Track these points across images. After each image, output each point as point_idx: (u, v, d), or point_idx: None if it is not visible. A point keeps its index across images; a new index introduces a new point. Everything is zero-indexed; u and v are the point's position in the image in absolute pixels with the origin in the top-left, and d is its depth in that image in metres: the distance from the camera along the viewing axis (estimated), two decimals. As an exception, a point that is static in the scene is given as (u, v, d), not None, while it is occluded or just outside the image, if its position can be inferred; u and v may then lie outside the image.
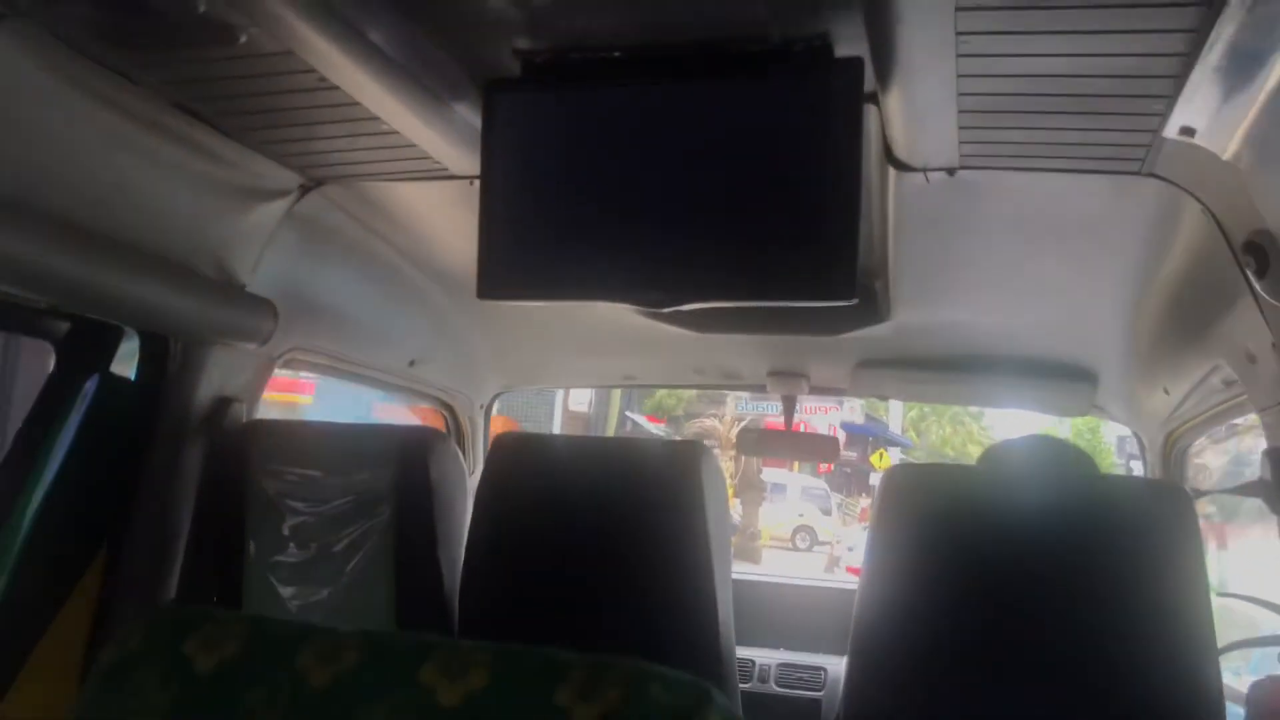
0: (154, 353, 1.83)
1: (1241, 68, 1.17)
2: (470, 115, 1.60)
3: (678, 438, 17.70)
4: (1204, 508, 2.52)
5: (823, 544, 19.47)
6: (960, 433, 27.10)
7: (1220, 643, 1.52)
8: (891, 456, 22.67)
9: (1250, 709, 1.47)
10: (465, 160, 1.68)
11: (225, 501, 1.87)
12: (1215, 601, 1.52)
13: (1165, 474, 2.76)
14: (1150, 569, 1.53)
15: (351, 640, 0.66)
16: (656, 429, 20.45)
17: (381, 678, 0.63)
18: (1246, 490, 1.72)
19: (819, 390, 3.16)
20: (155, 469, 1.83)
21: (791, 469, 20.98)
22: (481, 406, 3.23)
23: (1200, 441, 2.69)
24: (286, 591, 1.85)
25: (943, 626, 1.58)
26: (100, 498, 1.79)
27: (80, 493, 1.76)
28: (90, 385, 1.77)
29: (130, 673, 0.67)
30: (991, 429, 25.13)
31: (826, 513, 22.10)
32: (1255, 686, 1.47)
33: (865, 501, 26.17)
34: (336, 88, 1.46)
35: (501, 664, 0.63)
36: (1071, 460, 2.06)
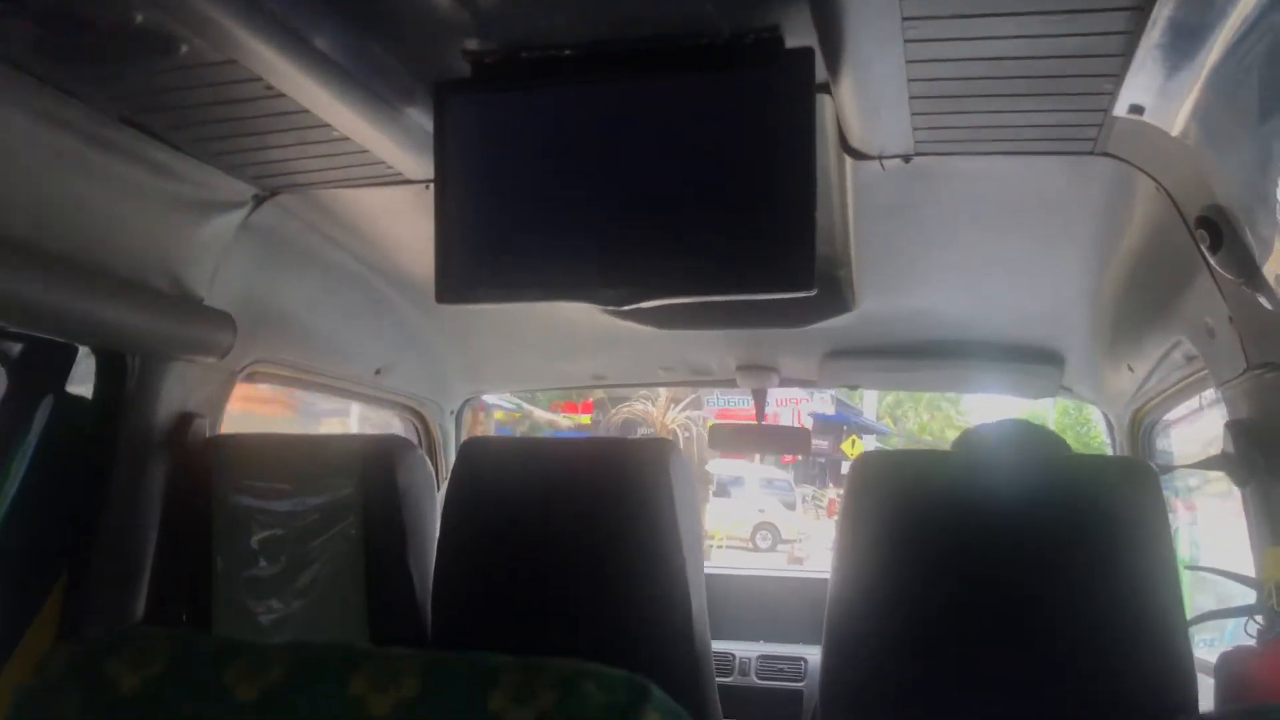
0: (111, 370, 1.80)
1: (1184, 44, 1.17)
2: (422, 118, 1.59)
3: (607, 427, 17.08)
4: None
5: (786, 542, 18.40)
6: (938, 418, 26.93)
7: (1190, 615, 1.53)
8: (867, 445, 22.30)
9: (1219, 679, 1.48)
10: (419, 164, 1.67)
11: (190, 519, 1.84)
12: (1192, 576, 1.53)
13: (1133, 451, 2.78)
14: (1119, 545, 1.54)
15: (279, 654, 0.64)
16: (571, 421, 18.74)
17: (310, 690, 0.62)
18: (1210, 464, 1.73)
19: (789, 382, 3.16)
20: (117, 488, 1.80)
21: (753, 460, 19.72)
22: (452, 413, 3.21)
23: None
24: (257, 607, 1.83)
25: (914, 610, 1.58)
26: (61, 520, 1.76)
27: (39, 516, 1.73)
28: (45, 406, 1.74)
29: (49, 700, 0.65)
30: (970, 413, 24.59)
31: (790, 507, 20.73)
32: (1223, 657, 1.48)
33: (835, 493, 26.06)
34: (283, 95, 1.44)
35: (432, 672, 0.62)
36: (1043, 442, 2.07)
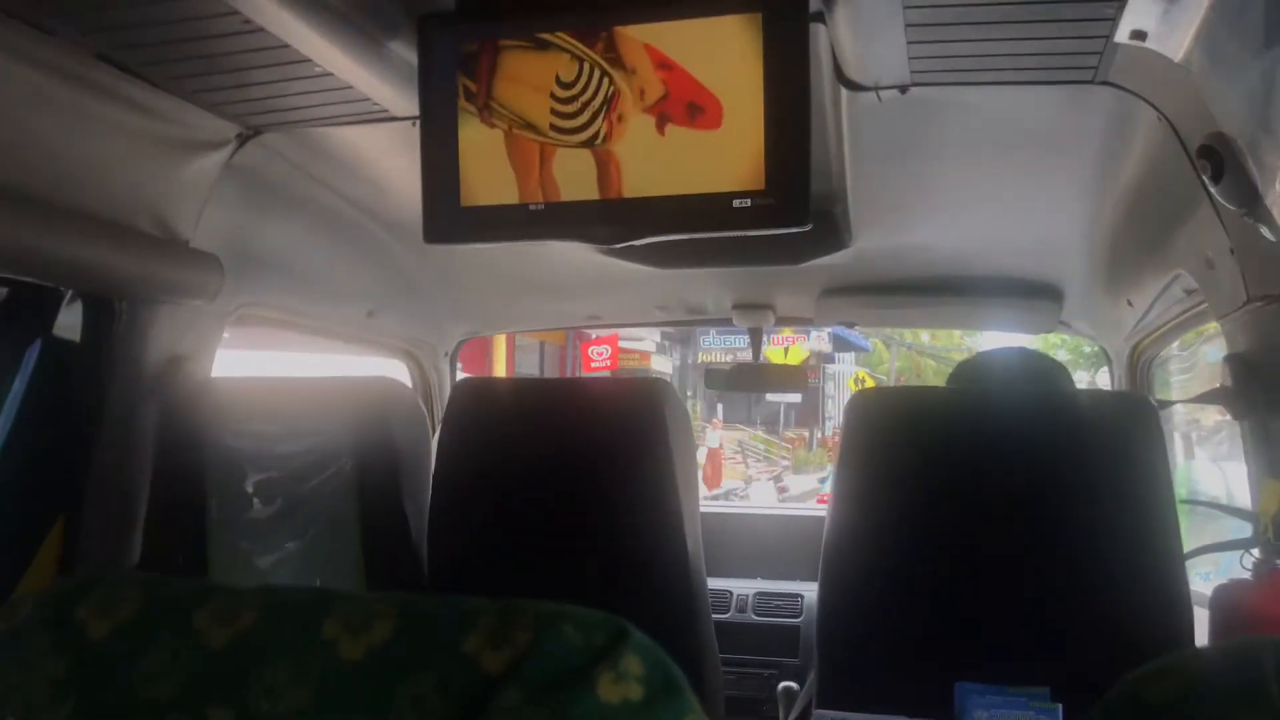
0: (98, 314, 1.78)
1: None
2: (407, 53, 1.55)
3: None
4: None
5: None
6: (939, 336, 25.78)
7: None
8: (845, 363, 21.99)
9: (1214, 612, 1.49)
10: (405, 101, 1.63)
11: (183, 462, 1.84)
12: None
13: (1132, 386, 2.77)
14: (1117, 479, 1.54)
15: (251, 598, 0.64)
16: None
17: (282, 634, 0.61)
18: (1209, 398, 1.72)
19: (786, 320, 3.15)
20: (108, 433, 1.79)
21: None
22: (445, 355, 3.20)
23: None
24: (252, 550, 1.82)
25: (910, 547, 1.59)
26: (54, 465, 1.75)
27: (32, 461, 1.73)
28: (32, 351, 1.72)
29: (18, 644, 0.64)
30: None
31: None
32: (1219, 590, 1.49)
33: (797, 433, 25.16)
34: (262, 29, 1.40)
35: (406, 615, 0.61)
36: (1044, 372, 2.06)
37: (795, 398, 21.87)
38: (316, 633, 0.60)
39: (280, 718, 0.58)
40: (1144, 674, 0.65)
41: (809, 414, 25.13)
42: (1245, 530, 1.59)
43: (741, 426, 23.55)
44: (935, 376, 24.06)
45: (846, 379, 24.39)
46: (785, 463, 22.11)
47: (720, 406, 20.35)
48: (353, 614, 0.60)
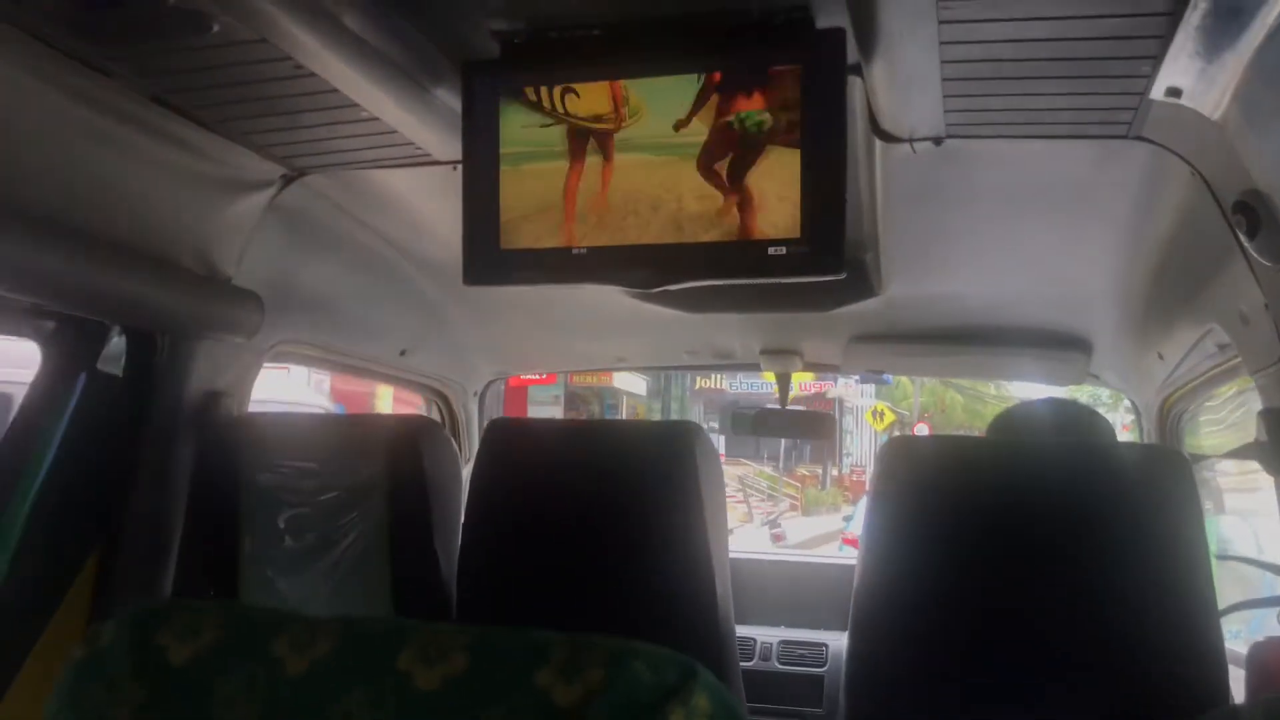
0: (141, 349, 1.81)
1: (1226, 25, 1.15)
2: (450, 99, 1.59)
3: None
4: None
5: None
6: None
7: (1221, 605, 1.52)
8: (866, 393, 20.73)
9: (1250, 670, 1.47)
10: (447, 145, 1.67)
11: (218, 496, 1.86)
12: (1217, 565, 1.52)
13: (1161, 440, 2.76)
14: (1151, 534, 1.53)
15: (328, 627, 0.65)
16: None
17: (358, 664, 0.62)
18: (1243, 453, 1.71)
19: (813, 367, 3.15)
20: (146, 465, 1.82)
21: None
22: (475, 394, 3.22)
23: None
24: (283, 584, 1.84)
25: (943, 597, 1.57)
26: (92, 496, 1.78)
27: (72, 491, 1.75)
28: (79, 383, 1.75)
29: (101, 667, 0.66)
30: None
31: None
32: (1256, 647, 1.47)
33: (809, 470, 23.57)
34: (313, 74, 1.44)
35: (480, 647, 0.62)
36: (1084, 424, 2.05)
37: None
38: (392, 663, 0.61)
39: None
40: (1245, 709, 0.65)
41: (825, 449, 23.33)
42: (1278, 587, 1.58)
43: (746, 461, 22.31)
44: (963, 414, 23.17)
45: (864, 412, 23.31)
46: (791, 502, 20.88)
47: (722, 439, 17.91)
48: (427, 646, 0.61)
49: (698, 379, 21.66)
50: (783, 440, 20.46)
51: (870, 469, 1.72)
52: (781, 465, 23.70)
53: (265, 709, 0.61)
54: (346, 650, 0.63)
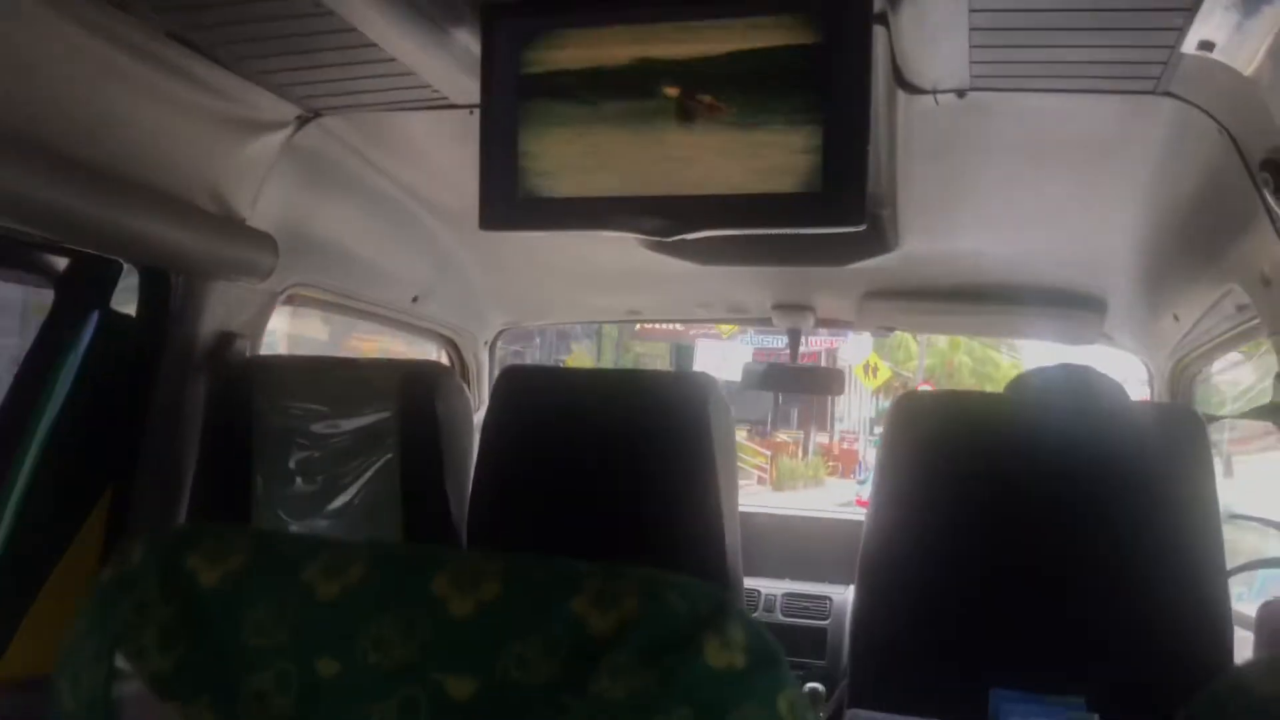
0: (155, 288, 1.81)
1: None
2: (470, 42, 1.56)
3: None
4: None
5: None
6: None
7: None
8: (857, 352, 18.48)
9: (1259, 631, 1.48)
10: (465, 88, 1.65)
11: (230, 437, 1.87)
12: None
13: (1173, 402, 2.75)
14: (1162, 492, 1.53)
15: (360, 553, 0.65)
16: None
17: (391, 589, 0.62)
18: (1258, 414, 1.71)
19: (825, 323, 3.14)
20: (159, 405, 1.83)
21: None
22: (485, 343, 3.22)
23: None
24: (295, 526, 1.85)
25: (951, 550, 1.58)
26: (105, 435, 1.79)
27: (84, 430, 1.76)
28: (90, 322, 1.75)
29: (130, 588, 0.66)
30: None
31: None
32: (1265, 607, 1.48)
33: (791, 436, 20.92)
34: (331, 13, 1.42)
35: (513, 574, 0.62)
36: (1101, 388, 2.04)
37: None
38: (425, 589, 0.61)
39: (388, 670, 0.59)
40: (1253, 666, 0.65)
41: (814, 413, 21.32)
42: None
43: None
44: (971, 377, 21.52)
45: (854, 365, 19.96)
46: (759, 475, 18.74)
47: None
48: (460, 572, 0.61)
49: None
50: (771, 400, 20.01)
51: (862, 437, 1.71)
52: (769, 428, 21.70)
53: (295, 633, 0.61)
54: (378, 575, 0.63)
